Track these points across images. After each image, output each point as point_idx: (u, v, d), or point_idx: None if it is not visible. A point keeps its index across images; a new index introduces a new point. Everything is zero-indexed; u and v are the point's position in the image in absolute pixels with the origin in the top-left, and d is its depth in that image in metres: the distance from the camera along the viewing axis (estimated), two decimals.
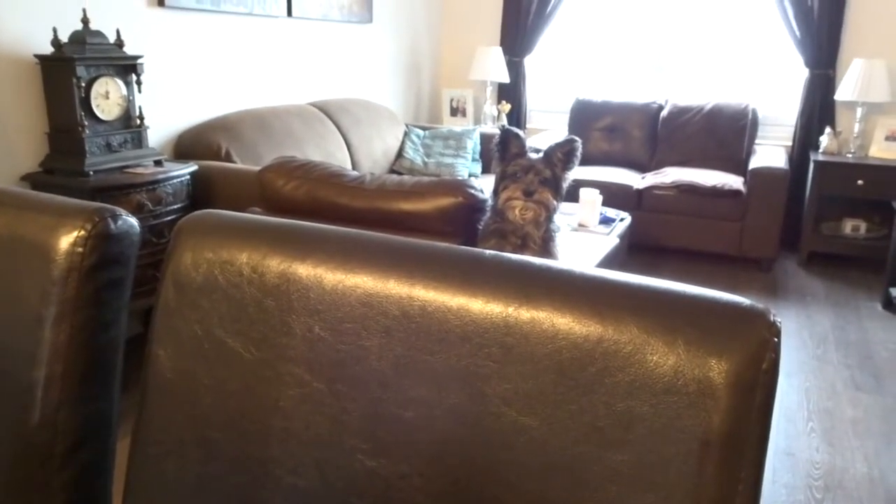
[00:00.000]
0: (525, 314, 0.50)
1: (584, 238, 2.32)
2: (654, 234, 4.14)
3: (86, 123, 2.44)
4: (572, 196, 3.55)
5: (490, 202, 1.81)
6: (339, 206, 1.85)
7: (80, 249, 0.61)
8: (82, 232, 0.61)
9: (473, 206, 1.77)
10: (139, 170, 2.60)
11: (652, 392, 0.45)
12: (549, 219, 1.68)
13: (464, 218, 1.76)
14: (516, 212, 1.62)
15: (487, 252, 0.55)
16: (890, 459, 2.32)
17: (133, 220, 0.67)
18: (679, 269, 4.06)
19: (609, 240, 2.25)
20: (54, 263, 0.63)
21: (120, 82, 2.57)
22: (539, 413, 0.50)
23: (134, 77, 2.62)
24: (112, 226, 0.63)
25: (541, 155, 1.65)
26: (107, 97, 2.52)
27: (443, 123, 5.04)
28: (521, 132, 1.73)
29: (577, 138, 1.69)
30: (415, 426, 0.55)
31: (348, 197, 1.84)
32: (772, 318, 0.44)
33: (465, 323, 0.52)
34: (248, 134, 3.19)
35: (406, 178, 1.93)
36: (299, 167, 1.94)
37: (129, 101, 2.61)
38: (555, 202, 1.68)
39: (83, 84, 2.42)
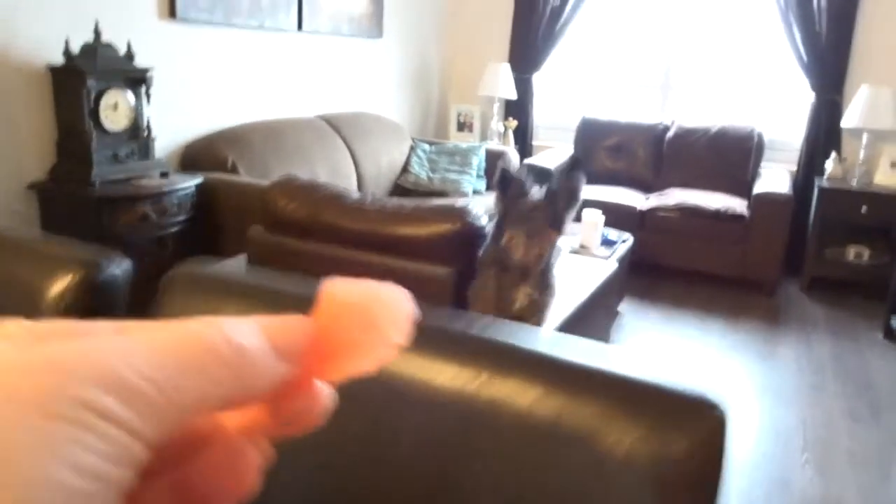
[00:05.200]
0: (490, 390, 0.51)
1: (582, 262, 2.34)
2: (657, 255, 4.15)
3: (93, 134, 2.47)
4: (574, 216, 3.57)
5: (491, 229, 1.82)
6: (339, 228, 1.87)
7: (66, 298, 0.63)
8: (70, 281, 0.62)
9: (472, 233, 1.78)
10: (145, 181, 2.63)
11: (606, 473, 0.47)
12: (551, 255, 1.69)
13: (461, 245, 1.77)
14: (519, 253, 1.63)
15: (457, 326, 0.56)
16: (885, 492, 2.32)
17: (126, 263, 0.68)
18: (681, 292, 4.06)
19: (607, 266, 2.26)
20: (41, 309, 0.64)
21: (129, 94, 2.60)
22: (499, 488, 0.51)
23: (143, 89, 2.65)
24: (100, 274, 0.65)
25: (542, 193, 1.66)
26: (115, 109, 2.56)
27: (449, 138, 5.07)
28: (522, 173, 1.71)
29: (580, 178, 1.69)
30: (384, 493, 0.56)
31: (348, 219, 1.86)
32: (721, 410, 0.46)
33: (430, 395, 0.53)
34: (256, 147, 3.22)
35: (407, 201, 1.95)
36: (302, 188, 1.96)
37: (137, 113, 2.64)
38: (557, 239, 1.69)
39: (92, 95, 2.46)
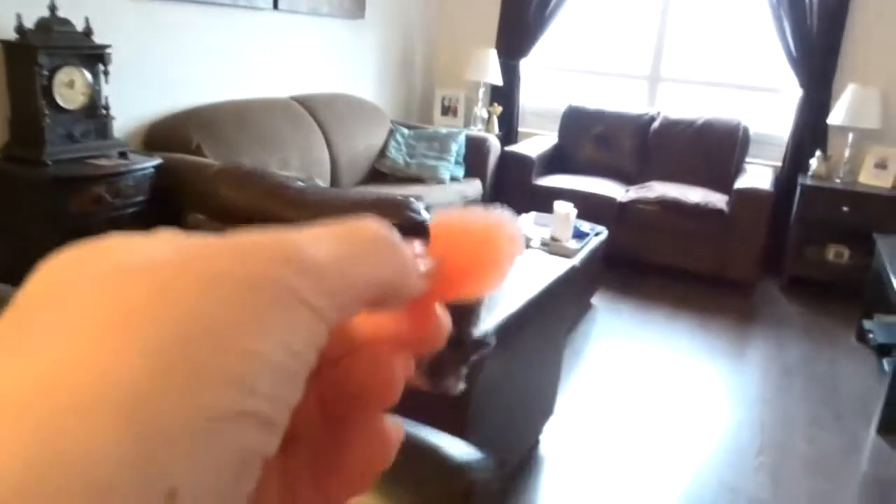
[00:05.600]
0: None
1: (541, 259, 2.29)
2: (635, 249, 4.10)
3: (46, 112, 2.42)
4: (547, 207, 3.52)
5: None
6: (278, 219, 1.83)
7: None
8: None
9: (411, 228, 1.74)
10: (101, 161, 2.58)
11: None
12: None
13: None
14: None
15: None
16: (835, 501, 2.29)
17: None
18: (656, 287, 4.02)
19: (562, 264, 2.22)
20: None
21: (85, 72, 2.54)
22: None
23: (101, 67, 2.59)
24: None
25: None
26: (71, 86, 2.50)
27: (433, 123, 4.99)
28: None
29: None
30: None
31: (288, 209, 1.82)
32: (476, 473, 0.42)
33: None
34: (223, 128, 3.16)
35: (353, 191, 1.91)
36: (244, 175, 1.92)
37: (94, 91, 2.59)
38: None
39: (45, 72, 2.40)
